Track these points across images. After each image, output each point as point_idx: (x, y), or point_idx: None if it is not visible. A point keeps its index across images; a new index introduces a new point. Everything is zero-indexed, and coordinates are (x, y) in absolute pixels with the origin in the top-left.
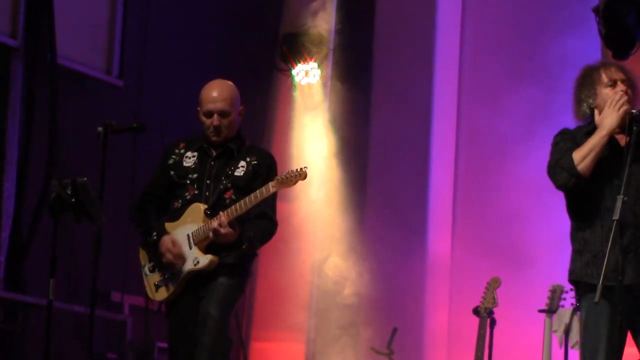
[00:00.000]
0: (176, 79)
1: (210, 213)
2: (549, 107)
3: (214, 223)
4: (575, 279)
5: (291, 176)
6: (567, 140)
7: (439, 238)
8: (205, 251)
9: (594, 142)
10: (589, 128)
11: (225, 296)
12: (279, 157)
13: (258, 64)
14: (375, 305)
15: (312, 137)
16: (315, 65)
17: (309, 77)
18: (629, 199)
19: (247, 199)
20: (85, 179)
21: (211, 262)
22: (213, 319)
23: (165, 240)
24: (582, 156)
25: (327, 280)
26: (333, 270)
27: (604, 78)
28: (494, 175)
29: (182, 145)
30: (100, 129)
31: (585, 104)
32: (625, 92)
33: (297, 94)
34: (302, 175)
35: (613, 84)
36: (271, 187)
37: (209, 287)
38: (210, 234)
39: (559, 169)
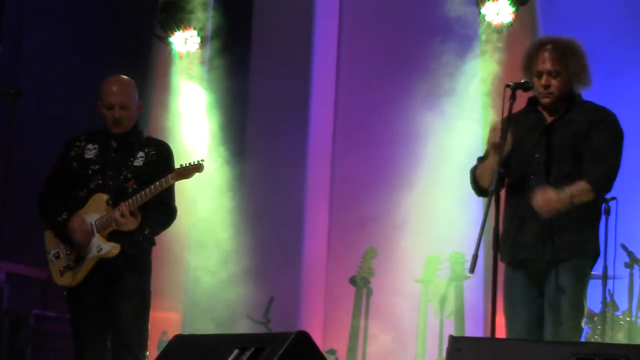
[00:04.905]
0: (54, 46)
1: (113, 203)
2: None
3: (116, 213)
4: None
5: (188, 169)
6: None
7: (317, 207)
8: (108, 239)
9: None
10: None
11: (138, 326)
12: (158, 126)
13: (137, 31)
14: (252, 276)
15: (190, 106)
16: (195, 33)
17: (188, 45)
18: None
19: (147, 189)
20: None
21: (113, 248)
22: None
23: (76, 217)
24: None
25: (204, 251)
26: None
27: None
28: (372, 141)
29: (82, 137)
30: None
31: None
32: (547, 84)
33: (176, 62)
34: (199, 167)
35: (539, 76)
36: (170, 178)
37: (118, 292)
38: (113, 224)
39: None
